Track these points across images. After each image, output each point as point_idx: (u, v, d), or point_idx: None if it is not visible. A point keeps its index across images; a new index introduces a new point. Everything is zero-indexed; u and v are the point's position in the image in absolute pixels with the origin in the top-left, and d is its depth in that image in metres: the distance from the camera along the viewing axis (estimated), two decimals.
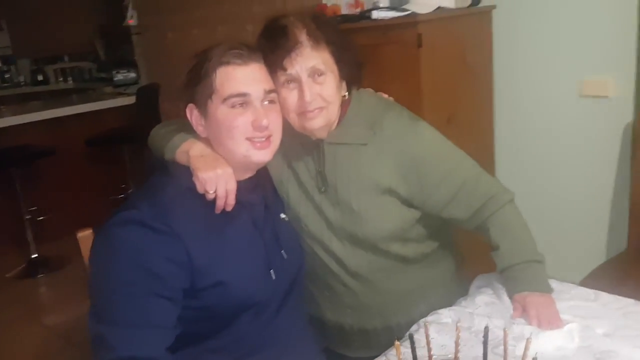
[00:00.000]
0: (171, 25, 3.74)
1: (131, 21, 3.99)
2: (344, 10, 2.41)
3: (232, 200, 1.05)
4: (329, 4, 2.52)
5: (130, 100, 4.04)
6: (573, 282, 1.36)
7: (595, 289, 1.24)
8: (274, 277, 1.11)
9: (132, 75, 4.55)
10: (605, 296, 1.21)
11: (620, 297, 1.20)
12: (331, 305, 1.31)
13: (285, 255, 1.16)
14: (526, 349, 0.84)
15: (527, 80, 2.32)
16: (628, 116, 2.07)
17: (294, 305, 1.18)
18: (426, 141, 1.21)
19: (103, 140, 3.86)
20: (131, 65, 4.62)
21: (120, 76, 4.52)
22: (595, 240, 2.26)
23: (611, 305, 1.17)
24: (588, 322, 1.08)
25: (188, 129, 1.13)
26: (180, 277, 0.99)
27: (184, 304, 1.00)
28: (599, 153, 2.19)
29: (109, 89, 4.56)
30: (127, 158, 3.94)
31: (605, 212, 2.22)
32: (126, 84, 4.50)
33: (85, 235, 1.20)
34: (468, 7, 2.19)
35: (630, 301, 1.18)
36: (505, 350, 0.88)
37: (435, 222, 1.25)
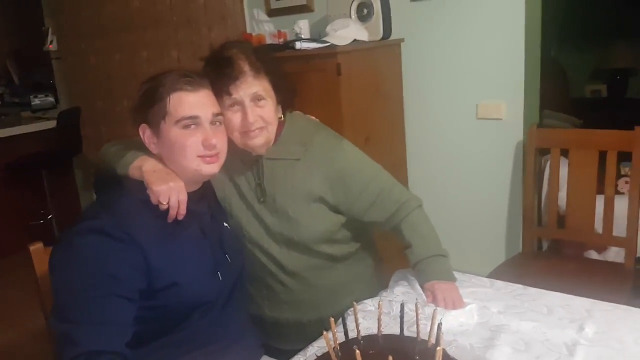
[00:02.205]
0: (94, 49, 3.73)
1: (51, 46, 3.95)
2: (268, 40, 2.58)
3: (183, 210, 1.18)
4: (253, 34, 2.69)
5: (49, 124, 3.97)
6: None
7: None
8: (220, 278, 1.25)
9: (50, 99, 4.46)
10: (498, 283, 1.45)
11: (510, 283, 1.44)
12: (269, 303, 1.46)
13: (229, 259, 1.30)
14: (433, 319, 1.03)
15: (433, 104, 2.53)
16: (519, 135, 2.34)
17: (236, 304, 1.31)
18: (349, 157, 1.41)
19: (21, 165, 3.76)
20: (49, 89, 4.53)
21: (37, 100, 4.41)
22: (495, 243, 2.52)
23: (503, 290, 1.41)
24: (485, 303, 1.31)
25: (137, 147, 1.25)
26: (138, 279, 1.10)
27: (143, 304, 1.11)
28: (495, 167, 2.44)
29: (26, 114, 4.43)
30: (46, 183, 3.85)
31: (502, 218, 2.49)
32: (44, 108, 4.40)
33: (36, 249, 1.28)
34: (380, 40, 2.39)
35: (519, 286, 1.43)
36: (417, 325, 1.07)
37: (358, 225, 1.45)
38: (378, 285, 1.49)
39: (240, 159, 1.37)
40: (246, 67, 1.26)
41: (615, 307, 1.28)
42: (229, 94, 1.25)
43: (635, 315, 1.24)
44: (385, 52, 2.48)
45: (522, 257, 2.26)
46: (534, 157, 2.22)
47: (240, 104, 1.27)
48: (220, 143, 1.23)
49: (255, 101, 1.28)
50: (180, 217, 1.18)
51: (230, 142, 1.30)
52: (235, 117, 1.28)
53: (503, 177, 2.45)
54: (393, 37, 2.47)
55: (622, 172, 2.93)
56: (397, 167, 2.59)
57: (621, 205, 2.05)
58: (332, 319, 1.04)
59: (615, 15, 5.22)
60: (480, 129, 2.44)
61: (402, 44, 2.52)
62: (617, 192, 2.14)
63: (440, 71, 2.49)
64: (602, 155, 2.06)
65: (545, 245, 2.53)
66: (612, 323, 1.19)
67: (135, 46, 3.46)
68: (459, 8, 2.35)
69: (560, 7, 5.12)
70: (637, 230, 2.01)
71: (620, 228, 2.05)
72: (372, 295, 1.40)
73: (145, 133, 1.23)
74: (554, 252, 2.47)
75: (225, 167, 1.32)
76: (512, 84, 2.32)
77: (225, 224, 1.37)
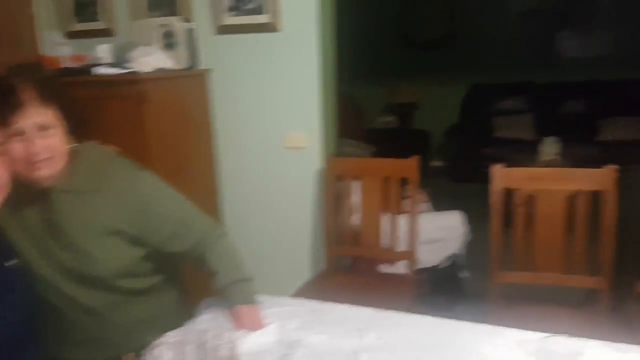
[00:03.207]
0: None
1: None
2: (66, 63, 2.42)
3: None
4: (48, 56, 2.50)
5: None
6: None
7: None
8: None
9: None
10: (298, 301, 1.57)
11: (309, 300, 1.57)
12: (65, 345, 1.36)
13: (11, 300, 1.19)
14: (233, 344, 1.09)
15: (244, 134, 2.62)
16: (319, 164, 2.54)
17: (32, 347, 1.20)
18: (148, 187, 1.40)
19: None
20: None
21: None
22: (303, 263, 2.69)
23: (302, 307, 1.52)
24: (283, 321, 1.40)
25: None
26: None
27: None
28: (301, 193, 2.61)
29: None
30: None
31: (308, 239, 2.67)
32: None
33: None
34: (186, 69, 2.42)
35: (316, 302, 1.56)
36: (219, 351, 1.11)
37: (160, 256, 1.44)
38: (184, 316, 1.49)
39: (26, 191, 1.27)
40: (29, 96, 1.20)
41: (395, 315, 1.47)
42: (11, 124, 1.17)
43: (411, 320, 1.45)
44: (192, 81, 2.50)
45: (325, 274, 2.45)
46: (332, 183, 2.44)
47: (22, 134, 1.19)
48: (2, 175, 1.14)
49: (41, 131, 1.21)
50: None
51: (16, 173, 1.20)
52: (19, 148, 1.20)
53: (308, 202, 2.63)
54: (202, 67, 2.52)
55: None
56: (210, 195, 2.61)
57: (405, 223, 2.36)
58: (133, 355, 1.02)
59: (401, 57, 5.99)
60: (287, 157, 2.60)
61: (211, 74, 2.58)
62: (404, 212, 2.45)
63: (250, 102, 2.59)
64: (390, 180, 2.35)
65: (347, 263, 2.78)
66: (391, 329, 1.37)
67: None
68: (260, 45, 2.49)
69: (355, 48, 5.71)
70: (416, 245, 2.33)
71: (404, 243, 2.35)
72: (178, 326, 1.39)
73: None
74: (353, 268, 2.72)
75: (10, 200, 1.21)
76: (311, 117, 2.52)
77: (7, 264, 1.25)
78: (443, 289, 2.93)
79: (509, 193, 2.09)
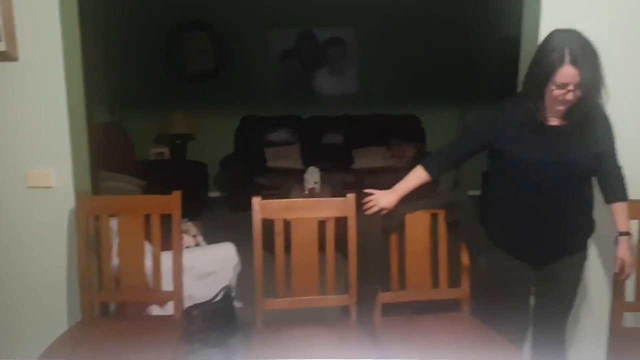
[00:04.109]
0: None
1: None
2: None
3: None
4: None
5: None
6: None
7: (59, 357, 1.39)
8: None
9: None
10: None
11: None
12: None
13: None
14: None
15: None
16: (71, 203, 2.33)
17: None
18: None
19: None
20: None
21: None
22: (60, 316, 2.42)
23: None
24: None
25: None
26: None
27: None
28: (51, 237, 2.36)
29: None
30: None
31: (62, 287, 2.40)
32: None
33: None
34: None
35: None
36: None
37: None
38: None
39: None
40: None
41: None
42: None
43: None
44: None
45: (82, 325, 2.22)
46: (85, 224, 2.24)
47: None
48: None
49: None
50: None
51: None
52: None
53: (59, 246, 2.39)
54: None
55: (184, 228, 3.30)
56: None
57: (170, 260, 2.28)
58: None
59: (172, 88, 5.93)
60: (32, 197, 2.34)
61: None
62: (169, 249, 2.36)
63: None
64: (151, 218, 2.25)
65: (112, 309, 2.57)
66: None
67: None
68: None
69: (123, 77, 5.48)
70: (182, 283, 2.27)
71: (169, 282, 2.27)
72: None
73: None
74: (119, 314, 2.53)
75: None
76: (59, 152, 2.32)
77: None
78: (218, 322, 2.91)
79: (271, 223, 2.19)
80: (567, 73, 1.77)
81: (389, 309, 2.23)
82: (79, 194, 2.29)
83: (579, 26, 1.84)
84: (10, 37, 2.16)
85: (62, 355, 1.94)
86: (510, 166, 1.98)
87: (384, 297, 2.22)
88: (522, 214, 1.99)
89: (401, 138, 5.70)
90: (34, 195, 2.34)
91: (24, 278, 2.40)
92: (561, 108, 1.86)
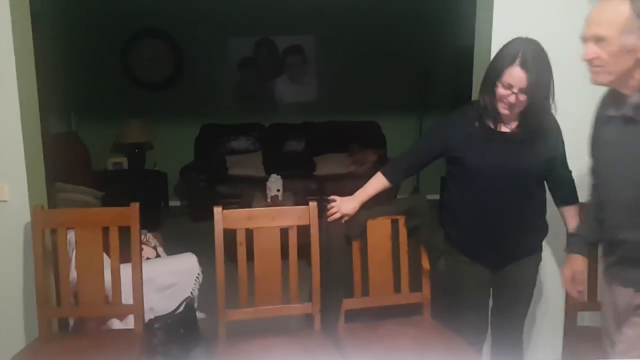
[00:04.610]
0: None
1: None
2: None
3: None
4: None
5: None
6: None
7: None
8: None
9: None
10: None
11: None
12: None
13: None
14: None
15: None
16: (26, 217, 2.27)
17: None
18: None
19: None
20: None
21: None
22: (13, 331, 2.35)
23: None
24: None
25: None
26: None
27: None
28: (5, 251, 2.30)
29: None
30: None
31: (19, 304, 2.34)
32: None
33: None
34: None
35: None
36: None
37: None
38: None
39: None
40: None
41: None
42: None
43: None
44: None
45: (39, 342, 2.16)
46: (42, 238, 2.18)
47: None
48: None
49: None
50: None
51: None
52: None
53: (15, 261, 2.32)
54: None
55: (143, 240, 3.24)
56: None
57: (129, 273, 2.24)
58: None
59: (129, 97, 5.83)
60: None
61: None
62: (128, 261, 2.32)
63: None
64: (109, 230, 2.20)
65: (71, 324, 2.50)
66: None
67: None
68: None
69: (79, 86, 5.35)
70: (141, 296, 2.23)
71: (129, 295, 2.23)
72: None
73: None
74: (78, 330, 2.46)
75: None
76: (13, 165, 2.26)
77: None
78: (180, 335, 2.87)
79: (233, 233, 2.18)
80: (514, 74, 1.83)
81: (353, 316, 2.25)
82: (34, 208, 2.22)
83: (529, 35, 1.92)
84: None
85: None
86: (465, 172, 2.04)
87: (348, 303, 2.24)
88: (477, 217, 2.05)
89: (362, 144, 5.76)
90: None
91: None
92: (506, 112, 1.92)
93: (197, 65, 5.86)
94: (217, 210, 2.18)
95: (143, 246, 3.00)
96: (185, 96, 5.89)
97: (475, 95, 2.24)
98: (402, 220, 2.28)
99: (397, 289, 2.29)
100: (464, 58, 3.04)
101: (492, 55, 2.01)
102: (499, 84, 1.87)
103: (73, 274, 2.23)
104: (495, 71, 1.89)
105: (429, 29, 5.74)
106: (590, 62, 1.55)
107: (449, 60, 5.73)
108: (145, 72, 5.82)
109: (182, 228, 5.11)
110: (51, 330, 2.24)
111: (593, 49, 1.52)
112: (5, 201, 2.27)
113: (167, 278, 2.84)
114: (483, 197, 2.01)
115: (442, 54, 5.83)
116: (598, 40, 1.50)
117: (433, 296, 2.30)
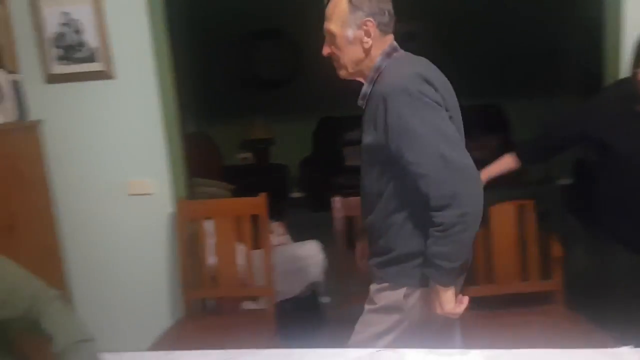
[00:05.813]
0: None
1: None
2: None
3: None
4: None
5: None
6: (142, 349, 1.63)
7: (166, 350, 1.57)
8: None
9: None
10: (149, 354, 1.53)
11: (159, 352, 1.54)
12: None
13: None
14: None
15: (83, 184, 2.52)
16: (169, 208, 2.53)
17: None
18: None
19: None
20: None
21: None
22: (163, 312, 2.61)
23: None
24: None
25: None
26: None
27: None
28: (150, 240, 2.56)
29: None
30: None
31: (165, 286, 2.61)
32: None
33: None
34: (13, 122, 2.28)
35: (162, 353, 1.54)
36: None
37: None
38: None
39: None
40: None
41: (254, 353, 1.49)
42: None
43: (263, 355, 1.48)
44: (21, 134, 2.36)
45: (184, 321, 2.40)
46: (184, 227, 2.42)
47: None
48: None
49: None
50: None
51: None
52: None
53: (162, 248, 2.58)
54: (32, 118, 2.40)
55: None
56: (49, 252, 2.41)
57: (261, 258, 2.41)
58: None
59: (252, 96, 6.14)
60: (133, 204, 2.54)
61: (43, 125, 2.46)
62: (260, 247, 2.48)
63: (87, 152, 2.51)
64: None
65: (212, 305, 2.74)
66: None
67: None
68: (96, 93, 2.44)
69: (206, 89, 5.76)
70: (273, 278, 2.38)
71: (261, 278, 2.39)
72: None
73: None
74: (217, 310, 2.69)
75: None
76: (157, 161, 2.50)
77: None
78: (305, 318, 3.01)
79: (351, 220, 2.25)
80: None
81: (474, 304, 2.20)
82: (178, 200, 2.47)
83: None
84: (107, 58, 2.37)
85: (171, 347, 2.11)
86: (612, 158, 1.88)
87: (471, 291, 2.19)
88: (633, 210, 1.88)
89: (483, 129, 5.54)
90: (135, 202, 2.54)
91: (130, 279, 2.62)
92: None
93: (314, 61, 5.99)
94: (337, 200, 2.26)
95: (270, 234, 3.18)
96: (303, 92, 6.08)
97: (606, 73, 2.07)
98: (529, 205, 2.19)
99: (525, 277, 2.20)
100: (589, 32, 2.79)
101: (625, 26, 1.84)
102: None
103: (211, 259, 2.44)
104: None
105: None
106: (331, 58, 1.58)
107: (575, 35, 5.31)
108: (266, 71, 6.12)
109: (304, 217, 5.31)
110: (194, 311, 2.48)
111: (327, 45, 1.56)
112: (151, 194, 2.53)
113: (293, 263, 2.99)
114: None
115: (567, 29, 5.41)
116: (331, 36, 1.52)
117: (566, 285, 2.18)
